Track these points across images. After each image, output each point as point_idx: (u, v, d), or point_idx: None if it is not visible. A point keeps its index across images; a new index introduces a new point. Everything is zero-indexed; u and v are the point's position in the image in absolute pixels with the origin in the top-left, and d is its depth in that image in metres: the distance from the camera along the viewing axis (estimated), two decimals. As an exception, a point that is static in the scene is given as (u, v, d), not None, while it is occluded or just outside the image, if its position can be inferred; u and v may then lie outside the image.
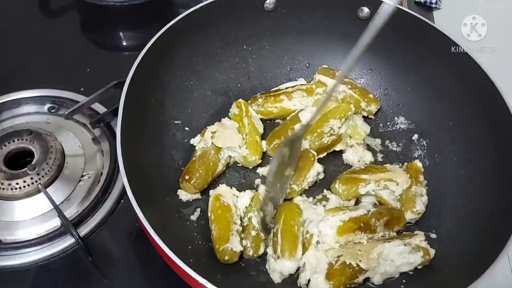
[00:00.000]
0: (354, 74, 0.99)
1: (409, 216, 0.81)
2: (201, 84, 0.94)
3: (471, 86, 0.84)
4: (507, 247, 0.64)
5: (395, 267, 0.73)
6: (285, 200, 0.82)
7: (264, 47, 0.99)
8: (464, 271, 0.69)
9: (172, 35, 0.85)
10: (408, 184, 0.83)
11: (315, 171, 0.85)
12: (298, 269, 0.75)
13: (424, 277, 0.74)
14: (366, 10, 0.90)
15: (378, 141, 0.94)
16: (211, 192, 0.82)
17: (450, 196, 0.83)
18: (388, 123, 0.95)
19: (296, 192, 0.83)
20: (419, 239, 0.75)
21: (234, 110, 0.91)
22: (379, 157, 0.92)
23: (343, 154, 0.91)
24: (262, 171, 0.88)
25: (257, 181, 0.87)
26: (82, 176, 0.87)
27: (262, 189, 0.80)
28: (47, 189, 0.83)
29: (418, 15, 0.89)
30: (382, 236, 0.77)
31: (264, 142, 0.89)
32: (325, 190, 0.85)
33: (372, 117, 0.95)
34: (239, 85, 0.98)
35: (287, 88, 0.96)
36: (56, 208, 0.80)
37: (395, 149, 0.93)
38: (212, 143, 0.85)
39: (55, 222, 0.81)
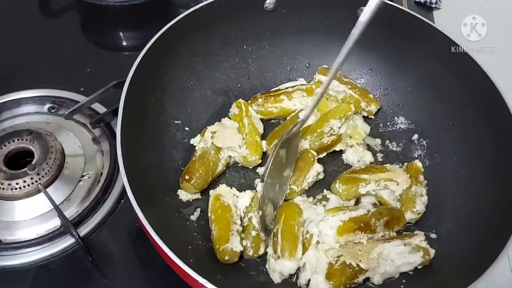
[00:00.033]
0: (354, 74, 0.99)
1: (409, 216, 0.81)
2: (201, 84, 0.94)
3: (471, 86, 0.84)
4: (507, 247, 0.64)
5: (395, 267, 0.73)
6: (285, 200, 0.82)
7: (264, 47, 0.99)
8: (464, 271, 0.69)
9: (172, 35, 0.85)
10: (408, 184, 0.83)
11: (315, 171, 0.85)
12: (298, 269, 0.75)
13: (424, 277, 0.74)
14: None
15: (378, 141, 0.94)
16: (211, 192, 0.82)
17: (450, 196, 0.83)
18: (388, 123, 0.95)
19: (296, 193, 0.83)
20: (419, 239, 0.75)
21: (234, 110, 0.91)
22: (379, 157, 0.92)
23: (343, 154, 0.91)
24: (262, 171, 0.88)
25: (257, 181, 0.87)
26: (82, 176, 0.88)
27: (259, 187, 0.80)
28: (47, 189, 0.83)
29: (418, 15, 0.89)
30: (382, 236, 0.77)
31: (264, 142, 0.89)
32: (325, 190, 0.85)
33: (372, 117, 0.96)
34: (239, 85, 0.98)
35: (287, 88, 0.96)
36: (56, 208, 0.80)
37: (395, 149, 0.93)
38: (212, 143, 0.85)
39: (55, 222, 0.81)
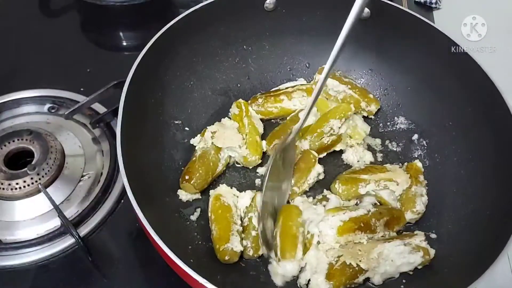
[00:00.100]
0: (354, 74, 0.99)
1: (409, 216, 0.81)
2: (201, 84, 0.94)
3: (471, 86, 0.84)
4: (507, 247, 0.64)
5: (395, 267, 0.73)
6: (285, 201, 0.83)
7: (264, 47, 0.99)
8: (464, 271, 0.69)
9: (172, 35, 0.85)
10: (408, 184, 0.83)
11: (316, 172, 0.85)
12: (300, 271, 0.74)
13: (424, 277, 0.74)
14: (366, 10, 0.90)
15: (378, 141, 0.94)
16: (211, 192, 0.82)
17: (450, 196, 0.83)
18: (388, 123, 0.95)
19: (296, 194, 0.83)
20: (419, 239, 0.75)
21: (234, 110, 0.91)
22: (379, 157, 0.92)
23: (343, 154, 0.91)
24: (262, 171, 0.88)
25: (257, 181, 0.87)
26: (82, 176, 0.88)
27: (259, 199, 0.79)
28: (47, 189, 0.83)
29: (418, 15, 0.89)
30: (382, 236, 0.77)
31: (264, 142, 0.89)
32: (325, 190, 0.85)
33: (372, 117, 0.96)
34: (239, 85, 0.98)
35: (287, 88, 0.96)
36: (56, 208, 0.80)
37: (395, 149, 0.93)
38: (212, 143, 0.85)
39: (55, 222, 0.81)
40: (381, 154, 0.92)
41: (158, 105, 0.86)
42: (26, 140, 0.87)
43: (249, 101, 0.94)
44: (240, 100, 0.92)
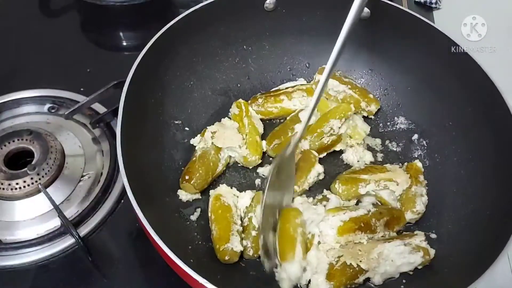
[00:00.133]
0: (354, 74, 0.99)
1: (409, 216, 0.81)
2: (201, 84, 0.94)
3: (471, 86, 0.84)
4: (507, 247, 0.64)
5: (395, 267, 0.73)
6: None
7: (264, 47, 0.99)
8: (464, 271, 0.69)
9: (172, 35, 0.85)
10: (408, 184, 0.83)
11: (316, 171, 0.85)
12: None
13: (424, 277, 0.74)
14: (366, 10, 0.90)
15: (378, 141, 0.94)
16: (211, 192, 0.82)
17: (450, 196, 0.83)
18: (388, 123, 0.95)
19: (296, 193, 0.83)
20: (419, 239, 0.75)
21: (234, 110, 0.91)
22: (379, 157, 0.91)
23: (343, 154, 0.91)
24: (262, 171, 0.88)
25: (257, 181, 0.87)
26: (82, 176, 0.87)
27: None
28: (47, 189, 0.83)
29: (418, 15, 0.89)
30: (382, 236, 0.77)
31: (264, 142, 0.89)
32: (324, 190, 0.85)
33: (372, 117, 0.96)
34: (239, 85, 0.98)
35: (287, 88, 0.96)
36: (56, 208, 0.80)
37: (395, 149, 0.93)
38: (212, 143, 0.85)
39: (55, 222, 0.81)
40: (381, 154, 0.92)
41: (158, 105, 0.86)
42: (26, 140, 0.87)
43: (249, 101, 0.94)
44: (240, 100, 0.92)
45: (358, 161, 0.89)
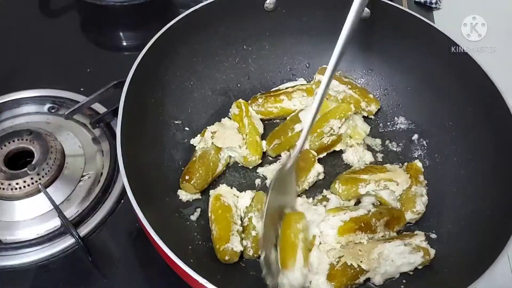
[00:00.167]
0: (354, 74, 0.99)
1: (409, 216, 0.81)
2: (201, 84, 0.94)
3: (471, 86, 0.84)
4: (507, 247, 0.64)
5: (395, 267, 0.73)
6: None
7: (264, 47, 0.99)
8: (464, 271, 0.69)
9: (172, 35, 0.85)
10: (408, 184, 0.83)
11: (316, 171, 0.85)
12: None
13: (424, 277, 0.74)
14: (366, 10, 0.90)
15: (378, 141, 0.94)
16: (211, 192, 0.82)
17: (450, 196, 0.83)
18: (388, 123, 0.95)
19: (296, 193, 0.83)
20: (419, 239, 0.75)
21: (234, 110, 0.91)
22: (379, 157, 0.91)
23: (343, 154, 0.91)
24: (262, 171, 0.88)
25: (257, 181, 0.87)
26: (82, 176, 0.87)
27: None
28: (47, 189, 0.83)
29: (418, 15, 0.89)
30: (382, 236, 0.77)
31: (264, 142, 0.89)
32: (324, 191, 0.85)
33: (372, 117, 0.96)
34: (239, 85, 0.98)
35: (287, 88, 0.96)
36: (56, 208, 0.80)
37: (395, 149, 0.93)
38: (212, 143, 0.85)
39: (55, 222, 0.81)
40: (381, 154, 0.92)
41: (158, 105, 0.86)
42: (26, 140, 0.87)
43: (249, 101, 0.93)
44: (240, 100, 0.92)
45: (358, 161, 0.89)
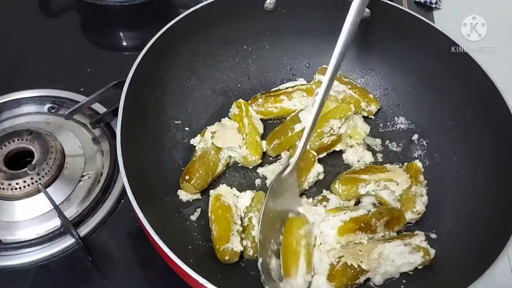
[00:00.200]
0: (354, 74, 0.99)
1: (409, 216, 0.81)
2: (201, 84, 0.94)
3: (471, 86, 0.84)
4: (507, 247, 0.64)
5: (395, 267, 0.73)
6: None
7: (264, 47, 0.99)
8: (464, 271, 0.69)
9: (172, 35, 0.85)
10: (408, 184, 0.83)
11: (315, 171, 0.85)
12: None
13: (424, 277, 0.74)
14: (366, 10, 0.90)
15: (378, 141, 0.94)
16: (211, 192, 0.82)
17: (450, 196, 0.83)
18: (388, 123, 0.95)
19: (296, 192, 0.83)
20: (419, 239, 0.75)
21: (234, 110, 0.91)
22: (379, 157, 0.91)
23: (343, 154, 0.91)
24: (262, 171, 0.88)
25: (257, 181, 0.87)
26: (82, 176, 0.87)
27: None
28: (47, 189, 0.83)
29: (418, 15, 0.89)
30: (382, 236, 0.77)
31: (264, 142, 0.89)
32: (324, 191, 0.85)
33: (372, 117, 0.95)
34: (239, 85, 0.98)
35: (287, 88, 0.96)
36: (56, 208, 0.80)
37: (395, 149, 0.93)
38: (212, 143, 0.85)
39: (55, 222, 0.81)
40: (381, 154, 0.92)
41: (158, 105, 0.86)
42: (26, 140, 0.87)
43: (249, 101, 0.93)
44: (240, 100, 0.92)
45: (358, 161, 0.89)
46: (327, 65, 0.95)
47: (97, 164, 0.89)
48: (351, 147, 0.91)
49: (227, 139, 0.85)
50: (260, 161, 0.87)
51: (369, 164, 0.89)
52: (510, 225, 0.67)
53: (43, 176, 0.84)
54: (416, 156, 0.90)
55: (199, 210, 0.82)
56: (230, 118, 0.92)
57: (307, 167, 0.84)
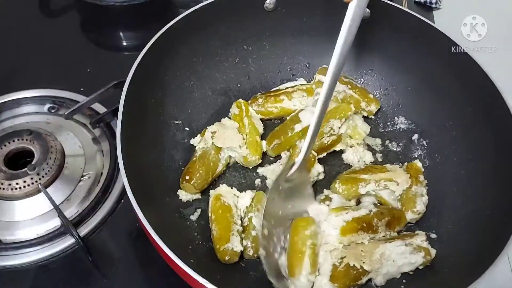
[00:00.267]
0: (354, 74, 0.99)
1: (410, 216, 0.81)
2: (201, 84, 0.94)
3: (471, 86, 0.84)
4: (507, 247, 0.64)
5: (396, 267, 0.73)
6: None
7: (264, 47, 0.99)
8: (464, 271, 0.69)
9: (172, 35, 0.85)
10: (408, 184, 0.83)
11: (316, 171, 0.85)
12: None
13: (425, 277, 0.74)
14: (366, 10, 0.90)
15: (378, 141, 0.93)
16: (212, 192, 0.82)
17: (450, 196, 0.83)
18: (388, 123, 0.95)
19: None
20: (420, 239, 0.75)
21: (234, 110, 0.91)
22: (379, 157, 0.91)
23: (343, 154, 0.91)
24: (262, 171, 0.88)
25: (257, 181, 0.87)
26: (82, 176, 0.87)
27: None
28: (47, 189, 0.83)
29: (418, 15, 0.89)
30: (383, 236, 0.77)
31: (264, 142, 0.89)
32: (325, 190, 0.85)
33: (372, 117, 0.95)
34: (239, 85, 0.98)
35: (287, 88, 0.96)
36: (56, 208, 0.80)
37: (395, 149, 0.93)
38: (212, 143, 0.85)
39: (55, 222, 0.81)
40: (381, 154, 0.92)
41: (158, 105, 0.86)
42: (26, 140, 0.87)
43: (249, 101, 0.93)
44: (240, 100, 0.92)
45: (358, 161, 0.89)
46: (327, 65, 0.96)
47: (97, 164, 0.89)
48: (351, 147, 0.91)
49: (227, 139, 0.85)
50: (260, 161, 0.87)
51: (369, 164, 0.89)
52: (510, 225, 0.67)
53: (43, 176, 0.84)
54: (416, 156, 0.90)
55: (199, 210, 0.82)
56: (230, 118, 0.92)
57: (307, 167, 0.84)
